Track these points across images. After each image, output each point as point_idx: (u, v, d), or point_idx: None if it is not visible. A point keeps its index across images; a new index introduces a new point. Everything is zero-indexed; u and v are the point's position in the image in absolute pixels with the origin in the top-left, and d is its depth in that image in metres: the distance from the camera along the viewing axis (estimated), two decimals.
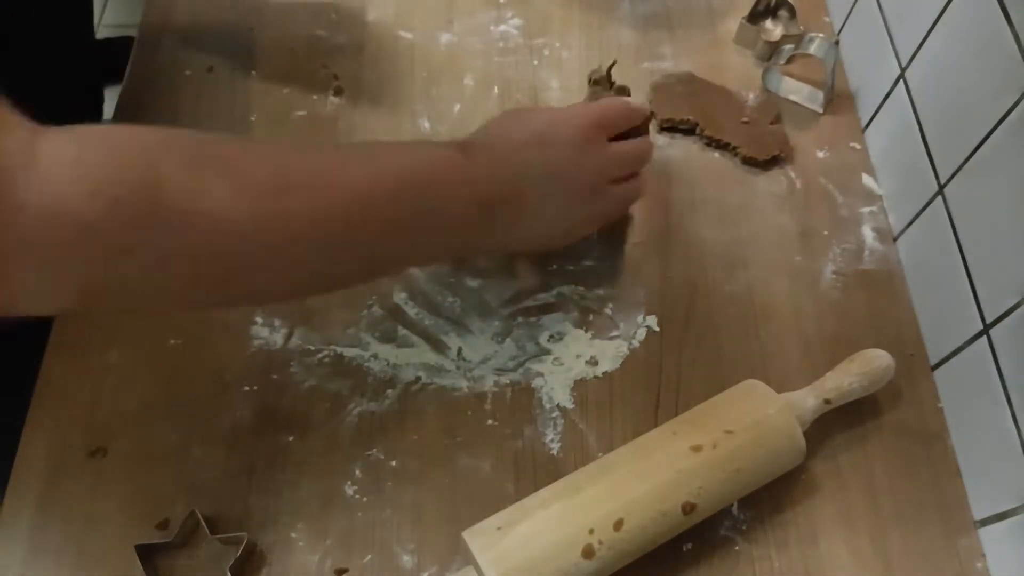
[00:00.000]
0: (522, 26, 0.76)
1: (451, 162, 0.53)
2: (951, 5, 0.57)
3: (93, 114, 0.73)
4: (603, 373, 0.59)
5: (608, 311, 0.62)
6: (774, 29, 0.75)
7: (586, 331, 0.61)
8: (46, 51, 0.65)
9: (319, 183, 0.47)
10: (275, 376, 0.58)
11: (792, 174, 0.69)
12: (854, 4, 0.73)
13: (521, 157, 0.55)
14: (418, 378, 0.59)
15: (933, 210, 0.60)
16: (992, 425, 0.53)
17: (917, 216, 0.62)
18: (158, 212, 0.40)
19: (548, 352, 0.60)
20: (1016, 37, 0.50)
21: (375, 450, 0.56)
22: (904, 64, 0.64)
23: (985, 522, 0.54)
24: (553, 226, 0.57)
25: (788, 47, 0.70)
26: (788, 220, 0.66)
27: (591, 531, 0.49)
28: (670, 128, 0.70)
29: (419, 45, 0.75)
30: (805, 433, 0.54)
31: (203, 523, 0.52)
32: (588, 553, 0.48)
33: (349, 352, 0.59)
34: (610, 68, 0.64)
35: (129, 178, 0.39)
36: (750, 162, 0.68)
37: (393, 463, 0.56)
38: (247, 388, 0.58)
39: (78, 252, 0.39)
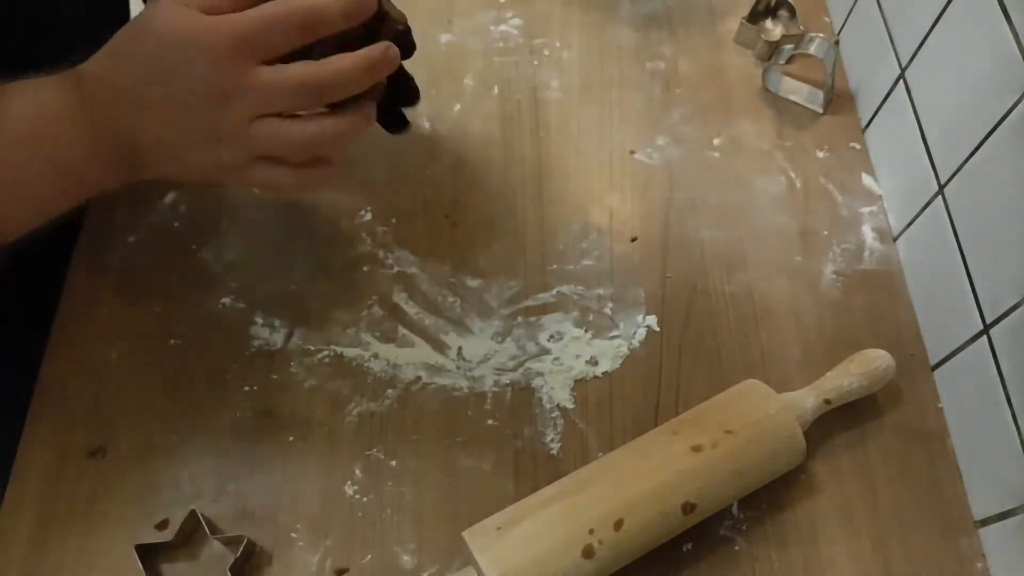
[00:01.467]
0: (522, 26, 0.76)
1: (63, 113, 0.46)
2: (951, 5, 0.57)
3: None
4: (603, 373, 0.59)
5: (608, 311, 0.62)
6: (774, 29, 0.75)
7: (586, 331, 0.61)
8: None
9: None
10: (275, 376, 0.58)
11: (792, 174, 0.69)
12: (854, 4, 0.73)
13: (138, 93, 0.46)
14: (418, 378, 0.59)
15: (933, 210, 0.60)
16: (992, 425, 0.53)
17: (917, 216, 0.62)
18: None
19: (548, 352, 0.60)
20: (1016, 37, 0.50)
21: (375, 450, 0.56)
22: (904, 64, 0.64)
23: (985, 522, 0.54)
24: (190, 169, 0.49)
25: (788, 47, 0.70)
26: (788, 220, 0.66)
27: (591, 531, 0.49)
28: None
29: (419, 45, 0.75)
30: (805, 433, 0.54)
31: (203, 523, 0.52)
32: (588, 553, 0.48)
33: (349, 352, 0.59)
34: None
35: None
36: None
37: (393, 463, 0.56)
38: (247, 388, 0.58)
39: None
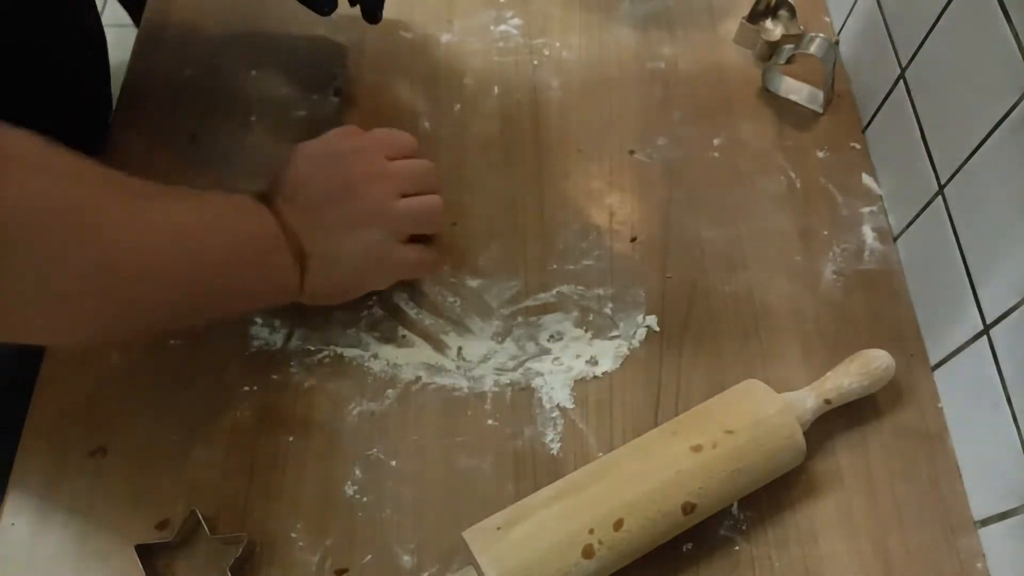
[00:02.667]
0: (522, 26, 0.76)
1: (265, 229, 0.53)
2: (951, 5, 0.57)
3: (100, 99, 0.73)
4: (603, 373, 0.59)
5: (608, 311, 0.62)
6: (774, 29, 0.75)
7: (586, 331, 0.61)
8: (47, 32, 0.64)
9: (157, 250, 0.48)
10: (275, 376, 0.58)
11: (792, 174, 0.69)
12: (854, 4, 0.73)
13: (302, 197, 0.55)
14: (418, 378, 0.59)
15: (933, 210, 0.60)
16: (992, 425, 0.53)
17: (917, 216, 0.62)
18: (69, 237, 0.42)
19: (548, 352, 0.60)
20: (1016, 37, 0.50)
21: (375, 450, 0.56)
22: (904, 64, 0.64)
23: (985, 522, 0.54)
24: (344, 268, 0.57)
25: (788, 47, 0.70)
26: (788, 220, 0.66)
27: (591, 531, 0.49)
28: None
29: (419, 45, 0.75)
30: (805, 433, 0.54)
31: (203, 523, 0.52)
32: (588, 553, 0.48)
33: (349, 352, 0.59)
34: None
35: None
36: None
37: (393, 463, 0.56)
38: (247, 388, 0.58)
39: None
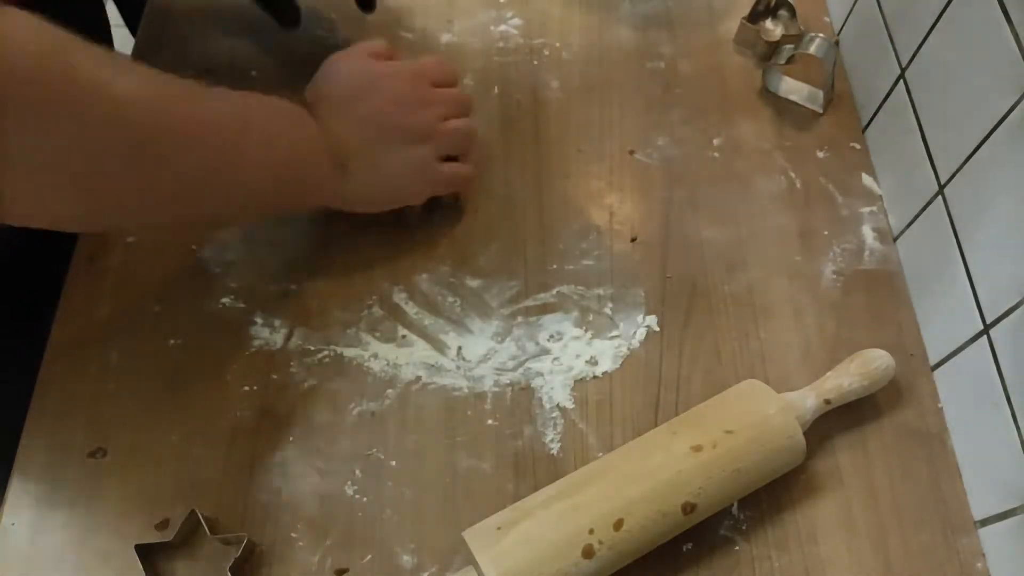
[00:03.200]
0: (522, 26, 0.76)
1: (306, 119, 0.56)
2: (951, 5, 0.57)
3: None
4: (603, 373, 0.59)
5: (608, 311, 0.62)
6: (774, 29, 0.75)
7: (586, 331, 0.61)
8: None
9: (201, 136, 0.50)
10: (275, 376, 0.58)
11: (792, 174, 0.69)
12: (854, 4, 0.73)
13: (347, 108, 0.58)
14: (418, 378, 0.59)
15: (933, 210, 0.60)
16: (992, 425, 0.53)
17: (917, 216, 0.62)
18: (71, 91, 0.42)
19: (548, 352, 0.60)
20: (1016, 37, 0.50)
21: (375, 450, 0.56)
22: (904, 64, 0.64)
23: (985, 522, 0.54)
24: (386, 177, 0.59)
25: (788, 47, 0.70)
26: (788, 220, 0.66)
27: (591, 531, 0.49)
28: None
29: (419, 45, 0.75)
30: (805, 433, 0.54)
31: (203, 523, 0.52)
32: (588, 553, 0.48)
33: (349, 352, 0.59)
34: None
35: (44, 63, 0.41)
36: None
37: (393, 463, 0.56)
38: (247, 388, 0.58)
39: None
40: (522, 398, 0.58)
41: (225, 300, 0.61)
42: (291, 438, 0.56)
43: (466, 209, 0.66)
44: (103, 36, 0.75)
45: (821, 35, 0.68)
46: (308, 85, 0.60)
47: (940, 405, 0.59)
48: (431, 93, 0.61)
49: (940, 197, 0.59)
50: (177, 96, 0.49)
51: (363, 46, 0.62)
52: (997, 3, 0.52)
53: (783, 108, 0.72)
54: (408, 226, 0.64)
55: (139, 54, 0.73)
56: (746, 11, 0.75)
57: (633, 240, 0.65)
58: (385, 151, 0.59)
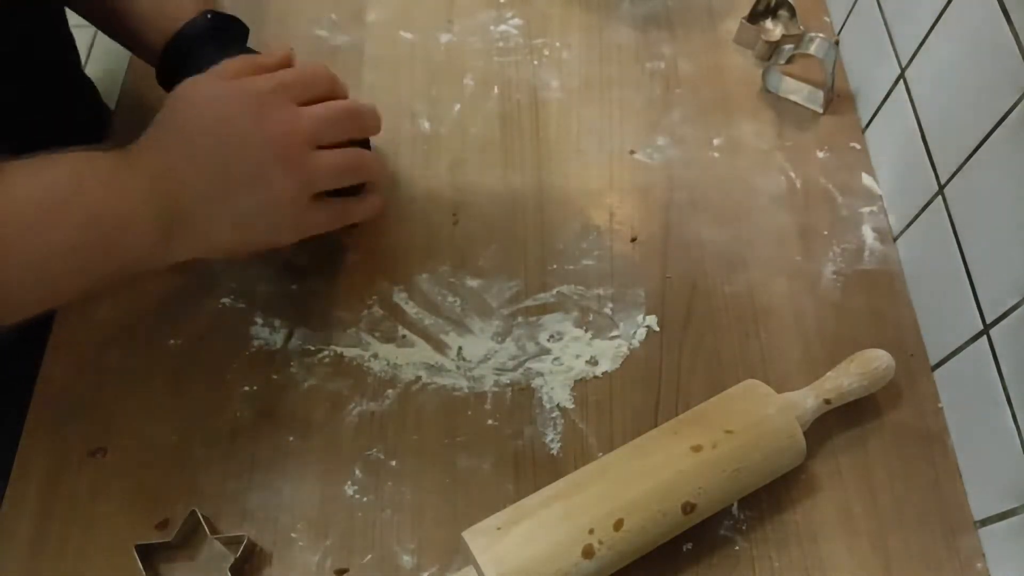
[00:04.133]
0: (522, 26, 0.76)
1: (104, 174, 0.47)
2: (951, 5, 0.57)
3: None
4: (603, 373, 0.59)
5: (608, 311, 0.62)
6: (774, 29, 0.75)
7: (586, 331, 0.61)
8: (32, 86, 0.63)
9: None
10: (275, 376, 0.58)
11: (792, 174, 0.69)
12: (854, 4, 0.73)
13: (186, 150, 0.48)
14: (418, 378, 0.59)
15: (933, 210, 0.60)
16: (992, 425, 0.53)
17: (917, 216, 0.62)
18: None
19: (548, 352, 0.60)
20: (1016, 37, 0.50)
21: (375, 450, 0.56)
22: (904, 64, 0.64)
23: (985, 522, 0.54)
24: (229, 231, 0.50)
25: (788, 47, 0.70)
26: (788, 220, 0.66)
27: (591, 531, 0.49)
28: None
29: (419, 45, 0.75)
30: (805, 433, 0.54)
31: (203, 523, 0.52)
32: (588, 553, 0.48)
33: (349, 352, 0.59)
34: None
35: None
36: None
37: (393, 463, 0.56)
38: (247, 388, 0.58)
39: None
40: (522, 398, 0.58)
41: (225, 300, 0.61)
42: (291, 438, 0.56)
43: (446, 207, 0.65)
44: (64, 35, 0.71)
45: (821, 35, 0.68)
46: (160, 112, 0.51)
47: (940, 405, 0.59)
48: (294, 115, 0.50)
49: (940, 197, 0.59)
50: None
51: (225, 64, 0.52)
52: (997, 3, 0.52)
53: (783, 108, 0.72)
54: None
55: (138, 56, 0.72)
56: (746, 11, 0.75)
57: (633, 240, 0.65)
58: (239, 194, 0.49)
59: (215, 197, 0.49)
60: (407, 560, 0.52)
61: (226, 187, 0.49)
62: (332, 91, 0.53)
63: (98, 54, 1.20)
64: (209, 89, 0.50)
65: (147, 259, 0.49)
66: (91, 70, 0.81)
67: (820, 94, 0.72)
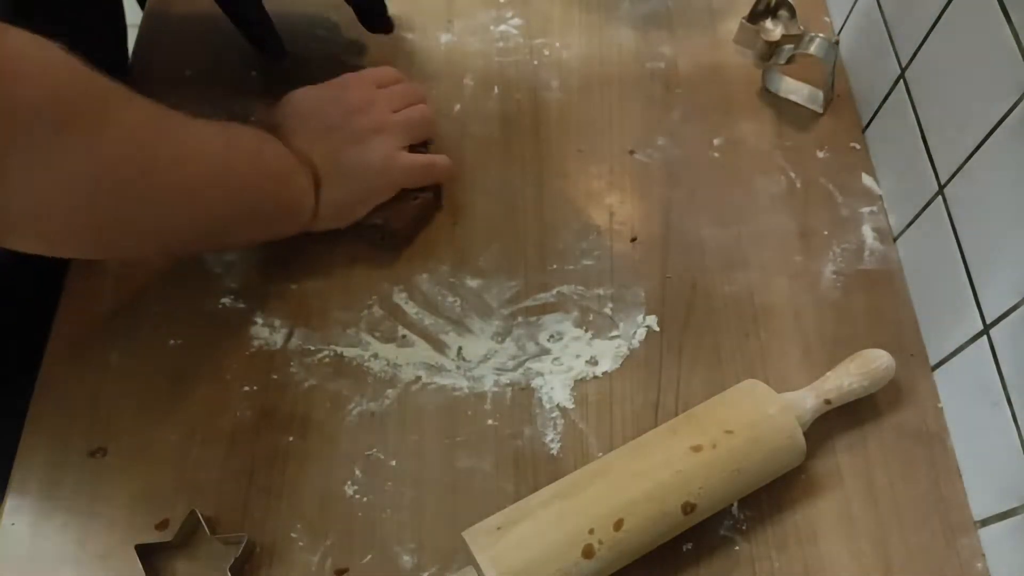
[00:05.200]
0: (522, 26, 0.76)
1: (283, 154, 0.57)
2: (951, 5, 0.57)
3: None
4: (603, 373, 0.59)
5: (608, 311, 0.62)
6: (774, 29, 0.75)
7: (586, 331, 0.61)
8: None
9: (188, 156, 0.51)
10: (275, 376, 0.58)
11: (792, 174, 0.69)
12: (854, 4, 0.73)
13: (303, 129, 0.60)
14: (418, 378, 0.59)
15: (933, 210, 0.60)
16: (992, 425, 0.53)
17: (917, 216, 0.62)
18: (79, 121, 0.43)
19: (548, 352, 0.60)
20: (1016, 37, 0.50)
21: (375, 450, 0.56)
22: (904, 64, 0.64)
23: (985, 522, 0.54)
24: (354, 180, 0.60)
25: (788, 47, 0.70)
26: (788, 220, 0.66)
27: (591, 531, 0.49)
28: None
29: (419, 45, 0.75)
30: (805, 433, 0.54)
31: (203, 523, 0.52)
32: (588, 553, 0.48)
33: (349, 352, 0.59)
34: None
35: (55, 92, 0.42)
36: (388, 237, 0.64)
37: (393, 463, 0.56)
38: (247, 388, 0.58)
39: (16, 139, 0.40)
40: (522, 398, 0.58)
41: (225, 300, 0.61)
42: (291, 438, 0.56)
43: (446, 207, 0.66)
44: (120, 40, 0.75)
45: (821, 35, 0.68)
46: (259, 118, 0.62)
47: (940, 405, 0.59)
48: (374, 92, 0.63)
49: (940, 197, 0.59)
50: (173, 124, 0.50)
51: (320, 84, 0.65)
52: (997, 3, 0.52)
53: (783, 108, 0.72)
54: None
55: (139, 55, 0.73)
56: (746, 11, 0.75)
57: (633, 240, 0.65)
58: (345, 155, 0.60)
59: (332, 161, 0.59)
60: (407, 560, 0.52)
61: (337, 152, 0.60)
62: (399, 79, 0.66)
63: None
64: (304, 91, 0.63)
65: (307, 200, 0.58)
66: None
67: (820, 94, 0.72)
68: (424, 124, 0.65)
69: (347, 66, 0.72)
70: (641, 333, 0.61)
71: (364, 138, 0.61)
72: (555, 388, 0.58)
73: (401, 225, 0.63)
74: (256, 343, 0.60)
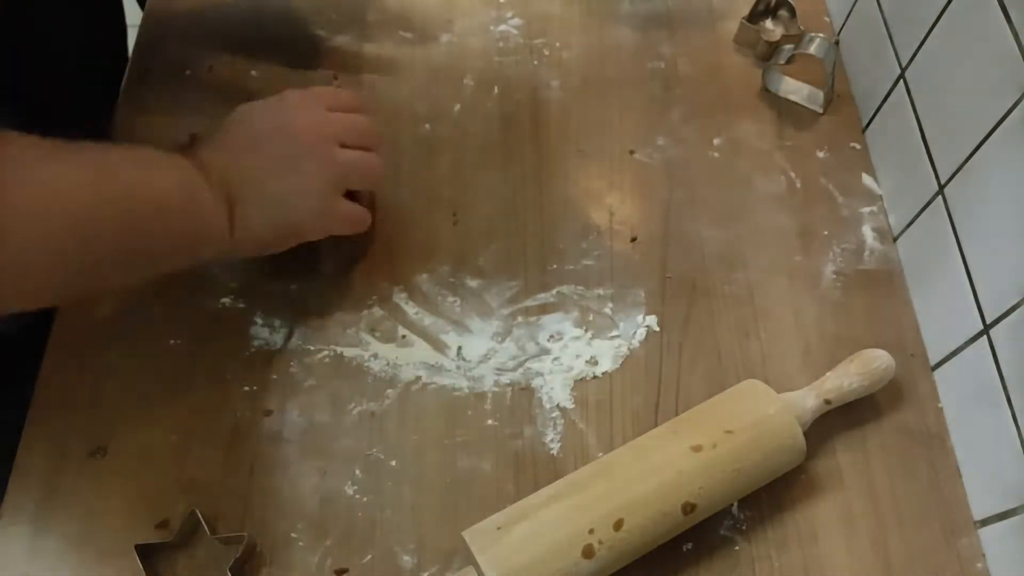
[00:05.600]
0: (522, 26, 0.76)
1: (175, 160, 0.52)
2: (951, 5, 0.57)
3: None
4: (603, 373, 0.59)
5: (608, 311, 0.62)
6: (774, 29, 0.75)
7: (586, 331, 0.61)
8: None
9: (46, 209, 0.45)
10: (275, 376, 0.58)
11: (792, 174, 0.69)
12: (854, 4, 0.73)
13: (239, 145, 0.54)
14: (418, 378, 0.59)
15: (933, 210, 0.60)
16: (992, 425, 0.53)
17: (917, 216, 0.62)
18: None
19: (548, 352, 0.60)
20: (1016, 37, 0.50)
21: (375, 450, 0.56)
22: (904, 64, 0.64)
23: (985, 522, 0.54)
24: (278, 206, 0.54)
25: (788, 47, 0.70)
26: (788, 220, 0.66)
27: (591, 531, 0.49)
28: None
29: (419, 45, 0.75)
30: (805, 433, 0.54)
31: (203, 523, 0.52)
32: (588, 553, 0.48)
33: (349, 352, 0.59)
34: None
35: None
36: None
37: (393, 463, 0.56)
38: (247, 388, 0.58)
39: None
40: (522, 398, 0.58)
41: (225, 300, 0.61)
42: (291, 438, 0.56)
43: (446, 207, 0.65)
44: (120, 40, 0.74)
45: (821, 35, 0.68)
46: (200, 132, 0.57)
47: (940, 405, 0.59)
48: (324, 117, 0.57)
49: (940, 197, 0.59)
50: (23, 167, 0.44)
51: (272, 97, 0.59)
52: (997, 3, 0.52)
53: (783, 108, 0.72)
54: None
55: (139, 55, 0.73)
56: (746, 11, 0.75)
57: (633, 240, 0.65)
58: (273, 182, 0.54)
59: (256, 178, 0.53)
60: (407, 560, 0.52)
61: (263, 171, 0.54)
62: (356, 108, 0.59)
63: None
64: (255, 104, 0.57)
65: (215, 224, 0.53)
66: None
67: (820, 94, 0.72)
68: (373, 176, 0.58)
69: (345, 65, 0.73)
70: (641, 333, 0.61)
71: (299, 167, 0.54)
72: (555, 388, 0.58)
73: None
74: (256, 343, 0.59)
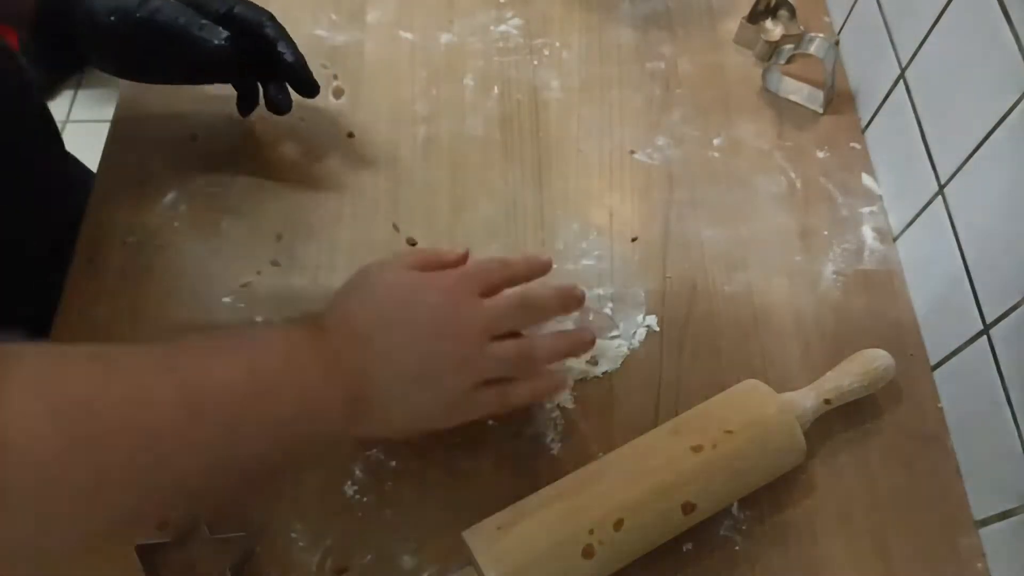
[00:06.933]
0: (522, 26, 0.76)
1: (306, 367, 0.47)
2: (951, 5, 0.57)
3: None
4: (603, 373, 0.59)
5: (608, 311, 0.62)
6: (774, 29, 0.75)
7: None
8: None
9: (124, 425, 0.40)
10: None
11: (792, 174, 0.69)
12: (854, 4, 0.73)
13: (371, 339, 0.49)
14: None
15: (933, 210, 0.60)
16: (992, 425, 0.53)
17: (917, 216, 0.62)
18: None
19: None
20: (1016, 37, 0.50)
21: (375, 450, 0.56)
22: (904, 64, 0.64)
23: (985, 522, 0.54)
24: (410, 415, 0.50)
25: (788, 47, 0.70)
26: (788, 220, 0.66)
27: (591, 531, 0.48)
28: None
29: (419, 45, 0.75)
30: (805, 433, 0.54)
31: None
32: (588, 553, 0.48)
33: None
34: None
35: None
36: None
37: (393, 463, 0.56)
38: None
39: None
40: None
41: (225, 300, 0.61)
42: None
43: (446, 207, 0.65)
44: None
45: (821, 35, 0.68)
46: (336, 292, 0.52)
47: (940, 405, 0.59)
48: (476, 308, 0.50)
49: (940, 197, 0.59)
50: (103, 407, 0.40)
51: (403, 255, 0.55)
52: (997, 3, 0.52)
53: (783, 108, 0.72)
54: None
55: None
56: (746, 11, 0.75)
57: (633, 240, 0.65)
58: (414, 388, 0.49)
59: (395, 390, 0.49)
60: (407, 560, 0.52)
61: (408, 381, 0.49)
62: (509, 279, 0.53)
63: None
64: (393, 277, 0.51)
65: (336, 436, 0.52)
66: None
67: (820, 94, 0.72)
68: (527, 362, 0.52)
69: (343, 66, 0.72)
70: (641, 333, 0.61)
71: (443, 372, 0.50)
72: None
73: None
74: None
